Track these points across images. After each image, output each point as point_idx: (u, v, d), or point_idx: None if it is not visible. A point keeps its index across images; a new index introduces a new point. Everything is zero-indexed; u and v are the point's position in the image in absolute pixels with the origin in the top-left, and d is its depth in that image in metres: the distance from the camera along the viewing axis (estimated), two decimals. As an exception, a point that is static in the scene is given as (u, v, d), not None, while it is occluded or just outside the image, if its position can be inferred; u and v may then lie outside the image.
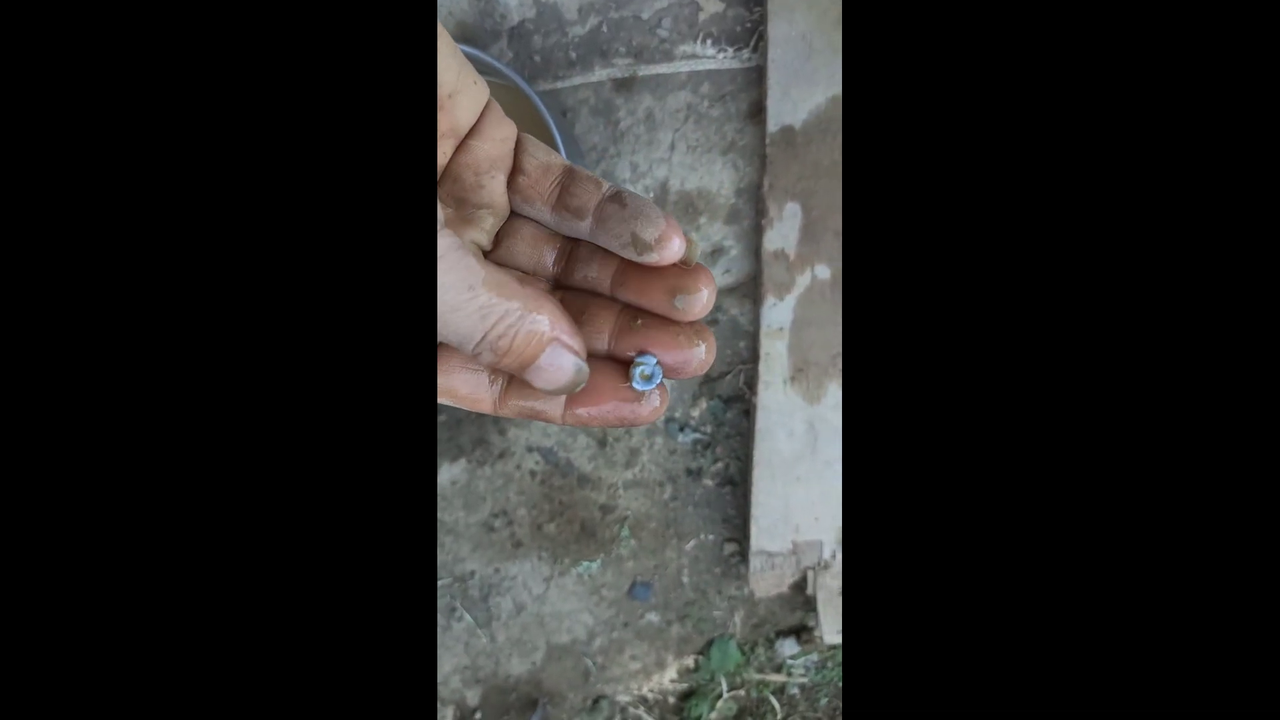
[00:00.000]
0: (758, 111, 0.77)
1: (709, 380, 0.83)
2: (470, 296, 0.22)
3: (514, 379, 0.26)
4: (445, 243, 0.21)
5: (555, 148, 0.64)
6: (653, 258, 0.25)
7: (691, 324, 0.25)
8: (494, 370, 0.26)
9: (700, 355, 0.25)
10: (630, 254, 0.25)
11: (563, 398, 0.26)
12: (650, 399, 0.25)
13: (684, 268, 0.25)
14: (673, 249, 0.24)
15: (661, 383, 0.25)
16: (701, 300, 0.25)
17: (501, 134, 0.26)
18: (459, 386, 0.26)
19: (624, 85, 0.78)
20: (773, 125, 0.75)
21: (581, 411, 0.26)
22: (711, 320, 0.81)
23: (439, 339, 0.23)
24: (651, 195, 0.79)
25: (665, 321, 0.25)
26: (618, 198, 0.25)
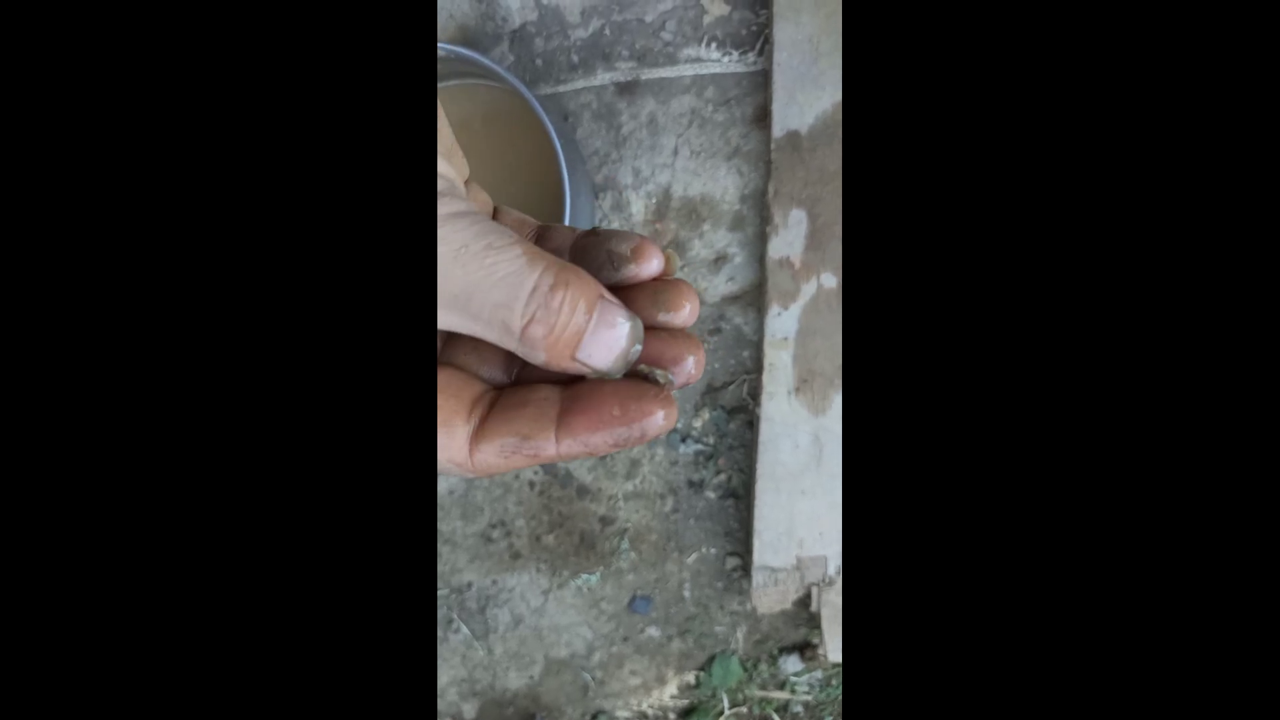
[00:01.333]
0: (763, 116, 0.76)
1: (711, 390, 0.81)
2: (507, 244, 0.21)
3: (484, 423, 0.24)
4: (485, 224, 0.22)
5: (555, 152, 0.62)
6: (631, 270, 0.25)
7: (677, 333, 0.25)
8: (544, 357, 0.23)
9: (689, 369, 0.24)
10: (609, 274, 0.25)
11: (551, 423, 0.24)
12: (660, 413, 0.24)
13: (665, 280, 0.25)
14: (650, 265, 0.25)
15: (670, 395, 0.24)
16: (683, 315, 0.25)
17: (481, 198, 0.28)
18: (455, 453, 0.24)
19: (626, 89, 0.77)
20: (778, 130, 0.73)
21: (581, 433, 0.23)
22: (715, 329, 0.79)
23: (476, 314, 0.21)
24: (654, 201, 0.78)
25: (654, 332, 0.25)
26: (592, 232, 0.26)
